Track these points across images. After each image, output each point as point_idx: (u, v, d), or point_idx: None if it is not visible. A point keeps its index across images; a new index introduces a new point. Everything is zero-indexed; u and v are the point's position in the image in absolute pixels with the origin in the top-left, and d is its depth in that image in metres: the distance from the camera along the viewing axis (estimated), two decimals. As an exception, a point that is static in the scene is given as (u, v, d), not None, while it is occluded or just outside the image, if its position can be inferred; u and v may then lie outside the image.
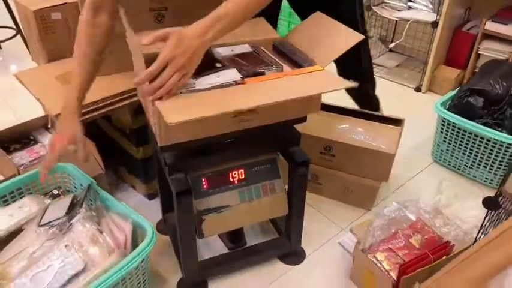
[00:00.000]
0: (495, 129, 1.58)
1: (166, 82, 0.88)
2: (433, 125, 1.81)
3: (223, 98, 0.92)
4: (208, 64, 1.04)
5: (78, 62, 1.09)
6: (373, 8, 2.43)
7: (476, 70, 2.14)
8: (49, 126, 1.69)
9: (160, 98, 0.89)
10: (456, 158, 1.74)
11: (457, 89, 1.79)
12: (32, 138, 1.63)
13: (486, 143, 1.60)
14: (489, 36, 2.15)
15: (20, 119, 2.01)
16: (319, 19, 1.19)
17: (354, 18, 1.45)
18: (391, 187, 1.68)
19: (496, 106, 1.62)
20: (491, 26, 2.11)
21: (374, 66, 2.64)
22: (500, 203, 1.07)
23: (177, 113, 0.84)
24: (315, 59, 1.07)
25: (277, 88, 0.97)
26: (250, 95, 0.94)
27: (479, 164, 1.67)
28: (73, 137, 1.06)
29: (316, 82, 1.00)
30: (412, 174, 1.77)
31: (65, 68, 1.44)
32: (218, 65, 1.05)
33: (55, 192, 1.28)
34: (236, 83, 0.99)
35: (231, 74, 1.01)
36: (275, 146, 1.19)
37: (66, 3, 1.43)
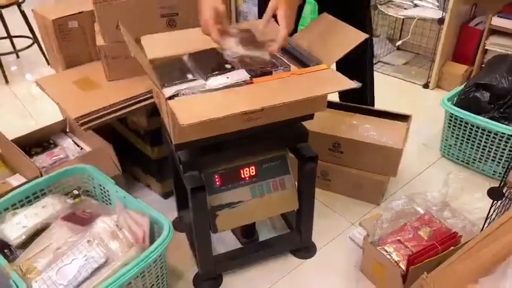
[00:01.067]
0: (502, 123, 1.60)
1: None
2: (441, 121, 1.83)
3: (233, 99, 0.97)
4: (219, 65, 1.10)
5: None
6: (379, 7, 2.46)
7: (484, 65, 2.15)
8: (67, 130, 1.77)
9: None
10: (464, 152, 1.76)
11: (463, 85, 1.81)
12: (51, 142, 1.71)
13: (493, 137, 1.62)
14: (496, 31, 2.16)
15: (38, 124, 2.10)
16: (325, 19, 1.23)
17: (363, 21, 1.51)
18: (400, 182, 1.71)
19: (502, 100, 1.64)
20: (497, 22, 2.12)
21: (382, 64, 2.68)
22: (505, 193, 1.09)
23: (189, 114, 0.89)
24: (320, 57, 1.11)
25: (284, 88, 1.02)
26: (258, 95, 0.99)
27: (487, 158, 1.69)
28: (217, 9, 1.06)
29: (322, 82, 1.04)
30: (421, 169, 1.79)
31: (82, 74, 1.51)
32: (228, 66, 1.10)
33: (75, 192, 1.34)
34: (245, 84, 1.04)
35: (240, 75, 1.06)
36: (284, 142, 1.23)
37: (82, 12, 1.50)
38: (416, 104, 2.26)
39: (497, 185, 1.15)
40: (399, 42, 2.62)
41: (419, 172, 1.78)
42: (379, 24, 2.76)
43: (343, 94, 1.73)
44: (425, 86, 2.41)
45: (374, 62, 2.68)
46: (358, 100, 1.69)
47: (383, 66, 2.66)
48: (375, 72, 2.58)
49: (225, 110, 0.92)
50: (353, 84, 1.03)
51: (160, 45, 1.21)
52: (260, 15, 1.55)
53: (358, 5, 1.51)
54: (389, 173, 1.55)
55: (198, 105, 0.95)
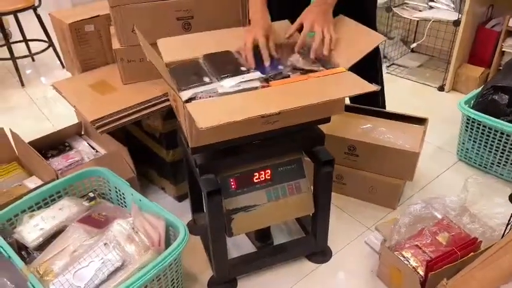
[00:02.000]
0: (521, 126, 1.57)
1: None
2: (458, 124, 1.80)
3: (250, 102, 0.97)
4: (234, 68, 1.09)
5: None
6: (393, 9, 2.44)
7: (501, 68, 2.12)
8: (82, 133, 1.78)
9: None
10: (482, 156, 1.73)
11: (481, 87, 1.78)
12: (67, 144, 1.72)
13: (511, 140, 1.59)
14: (513, 33, 2.13)
15: (54, 127, 2.12)
16: (342, 21, 1.22)
17: (373, 20, 1.50)
18: (416, 186, 1.68)
19: (521, 103, 1.61)
20: (515, 23, 2.09)
21: (396, 66, 2.65)
22: (527, 198, 1.07)
23: (207, 118, 0.89)
24: (338, 60, 1.10)
25: (301, 91, 1.01)
26: (276, 98, 0.98)
27: (506, 162, 1.66)
28: (267, 27, 1.18)
29: (339, 85, 1.03)
30: (437, 173, 1.77)
31: (98, 77, 1.52)
32: (243, 68, 1.10)
33: (91, 195, 1.35)
34: (262, 87, 1.03)
35: (255, 77, 1.05)
36: (300, 146, 1.22)
37: (98, 15, 1.51)
38: (432, 106, 2.23)
39: (519, 190, 1.13)
40: (414, 45, 2.59)
41: (435, 176, 1.75)
42: (394, 26, 2.74)
43: (354, 96, 1.71)
44: (441, 88, 2.38)
45: (388, 64, 2.66)
46: (370, 102, 1.67)
47: (397, 68, 2.63)
48: (389, 75, 2.58)
49: (242, 114, 0.91)
50: (372, 87, 1.02)
51: (176, 48, 1.22)
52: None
53: (367, 4, 1.50)
54: (405, 176, 1.53)
55: (216, 109, 0.95)
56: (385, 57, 2.69)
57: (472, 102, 1.77)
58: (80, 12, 1.55)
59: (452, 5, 2.29)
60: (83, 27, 1.50)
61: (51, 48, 2.75)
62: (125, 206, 1.36)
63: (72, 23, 1.47)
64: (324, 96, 0.98)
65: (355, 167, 1.57)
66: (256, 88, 1.03)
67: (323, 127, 1.19)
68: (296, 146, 1.21)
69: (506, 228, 1.15)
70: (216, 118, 0.89)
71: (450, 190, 1.63)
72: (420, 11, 2.38)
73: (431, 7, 2.35)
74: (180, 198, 1.64)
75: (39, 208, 1.29)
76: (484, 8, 2.30)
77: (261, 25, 1.17)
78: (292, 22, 1.31)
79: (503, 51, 2.19)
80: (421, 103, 2.27)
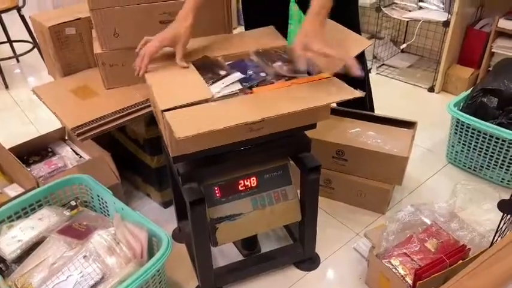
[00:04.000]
0: (510, 129, 1.56)
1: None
2: (447, 126, 1.79)
3: (232, 110, 0.94)
4: (213, 72, 1.07)
5: None
6: (383, 9, 2.42)
7: (490, 68, 2.11)
8: (66, 138, 1.74)
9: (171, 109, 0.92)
10: (471, 159, 1.72)
11: (470, 89, 1.77)
12: (50, 150, 1.68)
13: (501, 143, 1.58)
14: (502, 33, 2.12)
15: (38, 131, 2.07)
16: (328, 26, 1.19)
17: (357, 23, 1.48)
18: (406, 190, 1.67)
19: (510, 106, 1.59)
20: (504, 24, 2.08)
21: (386, 67, 2.64)
22: (516, 205, 1.05)
23: (186, 127, 0.86)
24: (323, 65, 1.08)
25: (285, 98, 0.98)
26: (258, 106, 0.95)
27: (495, 165, 1.65)
28: (171, 37, 1.09)
29: (324, 91, 1.01)
30: (427, 176, 1.75)
31: (80, 81, 1.48)
32: (222, 72, 1.07)
33: (73, 203, 1.31)
34: (245, 93, 1.00)
35: (236, 79, 1.03)
36: (286, 152, 1.20)
37: (79, 18, 1.47)
38: (422, 108, 2.22)
39: (508, 195, 1.11)
40: (404, 45, 2.57)
41: (425, 179, 1.73)
42: (383, 27, 2.72)
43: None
44: (431, 89, 2.37)
45: (378, 65, 2.64)
46: (358, 105, 1.65)
47: (387, 69, 2.61)
48: (379, 76, 2.56)
49: (223, 122, 0.89)
50: (356, 93, 1.00)
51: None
52: (246, 27, 1.51)
53: (350, 7, 1.47)
54: (394, 181, 1.51)
55: (195, 117, 0.92)
56: (375, 57, 2.67)
57: (462, 104, 1.75)
58: (61, 15, 1.50)
59: (441, 6, 2.27)
60: (64, 31, 1.46)
61: (36, 50, 2.70)
62: (108, 214, 1.32)
63: (52, 26, 1.43)
64: (308, 103, 0.96)
65: (343, 171, 1.55)
66: (237, 92, 1.00)
67: (311, 131, 1.17)
68: (282, 152, 1.19)
69: (495, 235, 1.13)
70: (195, 127, 0.86)
71: (439, 194, 1.61)
72: (410, 11, 2.36)
73: (420, 7, 2.34)
74: (165, 205, 1.61)
75: (18, 218, 1.25)
76: (474, 9, 2.29)
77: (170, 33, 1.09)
78: (277, 27, 1.28)
79: (493, 52, 2.18)
80: (411, 104, 2.25)
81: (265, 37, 1.24)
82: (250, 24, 1.49)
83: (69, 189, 1.34)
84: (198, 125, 0.87)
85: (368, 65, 2.60)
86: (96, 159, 1.53)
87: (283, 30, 1.28)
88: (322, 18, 1.03)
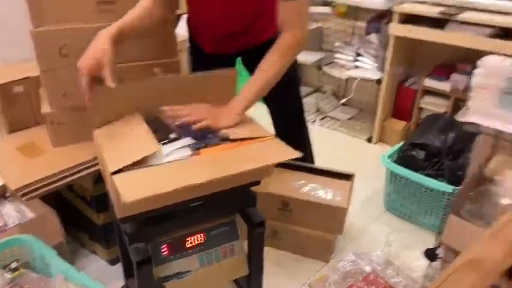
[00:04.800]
0: (437, 180, 1.72)
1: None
2: (384, 175, 1.93)
3: (180, 172, 0.99)
4: (164, 135, 1.12)
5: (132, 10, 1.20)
6: (323, 67, 2.63)
7: (420, 122, 2.33)
8: (7, 195, 1.69)
9: (120, 171, 0.95)
10: (405, 206, 1.86)
11: (402, 142, 1.94)
12: (-10, 207, 1.62)
13: (430, 192, 1.73)
14: (428, 91, 2.36)
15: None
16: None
17: (301, 110, 1.65)
18: (348, 238, 1.76)
19: (436, 158, 1.77)
20: (429, 83, 2.33)
21: (329, 119, 2.82)
22: (439, 253, 1.16)
23: (133, 190, 0.90)
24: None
25: (230, 159, 1.05)
26: (204, 168, 1.01)
27: (426, 212, 1.80)
28: (100, 54, 1.06)
29: (267, 152, 1.09)
30: (367, 223, 1.86)
31: (27, 139, 1.48)
32: (172, 135, 1.13)
33: (13, 266, 1.27)
34: (192, 155, 1.06)
35: (186, 144, 1.09)
36: (232, 208, 1.25)
37: (28, 77, 1.49)
38: (361, 157, 2.38)
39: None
40: (343, 100, 2.78)
41: (365, 226, 1.84)
42: (325, 82, 2.93)
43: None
44: (369, 140, 2.56)
45: (321, 117, 2.82)
46: (300, 158, 1.75)
47: (330, 121, 2.80)
48: (322, 128, 2.73)
49: (170, 185, 0.93)
50: (297, 154, 1.09)
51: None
52: (193, 68, 1.61)
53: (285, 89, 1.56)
54: (335, 230, 1.60)
55: (144, 180, 0.96)
56: (318, 110, 2.86)
57: (395, 156, 1.92)
58: (9, 73, 1.51)
59: (375, 65, 2.51)
60: (12, 89, 1.47)
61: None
62: (51, 275, 1.29)
63: (0, 85, 1.44)
64: (252, 164, 1.03)
65: (289, 222, 1.62)
66: (187, 157, 1.05)
67: (258, 182, 1.23)
68: (229, 208, 1.24)
69: (424, 280, 1.23)
70: (142, 191, 0.90)
71: (378, 241, 1.72)
72: (348, 69, 2.58)
73: (357, 66, 2.56)
74: (112, 262, 1.59)
75: (-48, 284, 1.19)
76: (403, 68, 2.54)
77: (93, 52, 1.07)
78: None
79: (421, 107, 2.41)
80: (351, 155, 2.41)
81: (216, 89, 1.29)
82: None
83: (9, 251, 1.30)
84: (145, 188, 0.91)
85: (312, 117, 2.79)
86: (40, 217, 1.49)
87: None
88: (240, 111, 1.15)
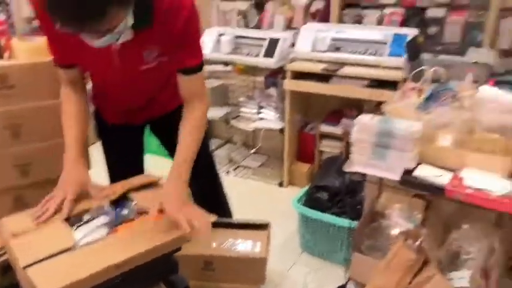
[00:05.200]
0: (342, 217, 1.91)
1: None
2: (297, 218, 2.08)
3: (96, 254, 1.01)
4: (76, 219, 1.13)
5: (66, 119, 1.29)
6: (231, 121, 2.79)
7: (321, 164, 2.56)
8: None
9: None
10: (319, 245, 2.02)
11: (308, 185, 2.13)
12: None
13: (338, 229, 1.91)
14: (325, 135, 2.62)
15: None
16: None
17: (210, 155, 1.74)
18: (271, 285, 1.84)
19: (337, 197, 1.97)
20: (324, 128, 2.60)
21: (242, 168, 2.95)
22: (349, 289, 1.30)
23: (49, 281, 0.89)
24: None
25: (148, 233, 1.09)
26: (121, 246, 1.04)
27: (338, 249, 1.96)
28: (81, 182, 1.20)
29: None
30: (287, 267, 1.97)
31: None
32: (87, 217, 1.14)
33: None
34: (108, 233, 1.08)
35: (102, 223, 1.10)
36: (155, 278, 1.27)
37: None
38: (274, 202, 2.52)
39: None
40: (253, 150, 2.95)
41: (285, 270, 1.95)
42: (235, 133, 3.09)
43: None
44: (280, 184, 2.73)
45: (234, 167, 2.95)
46: (218, 214, 1.83)
47: (243, 170, 2.93)
48: (236, 178, 2.85)
49: (88, 269, 0.95)
50: (212, 217, 1.18)
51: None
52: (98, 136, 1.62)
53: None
54: (258, 281, 1.67)
55: (59, 268, 0.96)
56: (231, 160, 2.99)
57: (304, 199, 2.09)
58: None
59: (277, 115, 2.72)
60: None
61: None
62: None
63: None
64: (169, 235, 1.09)
65: (213, 280, 1.66)
66: (103, 237, 1.07)
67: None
68: (151, 279, 1.25)
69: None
70: (59, 280, 0.90)
71: (299, 283, 1.83)
72: (253, 121, 2.77)
73: (261, 118, 2.76)
74: None
75: None
76: (300, 116, 2.80)
77: (73, 179, 1.21)
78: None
79: (321, 150, 2.67)
80: (266, 200, 2.55)
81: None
82: (111, 157, 1.59)
83: None
84: (62, 276, 0.92)
85: (225, 168, 2.90)
86: None
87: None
88: (183, 185, 1.23)
